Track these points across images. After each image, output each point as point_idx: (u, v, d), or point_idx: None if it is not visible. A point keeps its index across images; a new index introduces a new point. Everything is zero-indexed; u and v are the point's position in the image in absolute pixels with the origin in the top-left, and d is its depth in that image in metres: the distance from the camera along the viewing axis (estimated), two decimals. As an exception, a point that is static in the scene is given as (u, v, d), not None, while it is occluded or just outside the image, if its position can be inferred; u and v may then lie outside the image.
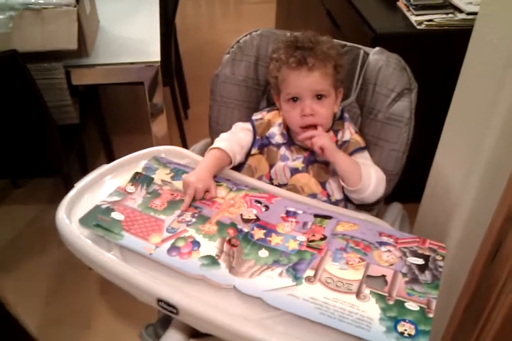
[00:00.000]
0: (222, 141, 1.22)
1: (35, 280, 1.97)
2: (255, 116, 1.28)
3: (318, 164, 1.20)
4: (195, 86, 2.92)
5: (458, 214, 1.18)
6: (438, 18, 1.80)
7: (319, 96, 1.14)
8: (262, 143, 1.24)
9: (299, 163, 1.21)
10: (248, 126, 1.27)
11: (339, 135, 1.22)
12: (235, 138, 1.23)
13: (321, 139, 1.12)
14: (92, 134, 2.33)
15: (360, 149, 1.22)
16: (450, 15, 1.81)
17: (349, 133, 1.22)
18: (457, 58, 1.79)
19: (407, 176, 1.28)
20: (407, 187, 1.37)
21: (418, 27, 1.79)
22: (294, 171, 1.21)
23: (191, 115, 2.87)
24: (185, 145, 2.55)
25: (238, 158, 1.22)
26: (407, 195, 1.37)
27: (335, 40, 1.24)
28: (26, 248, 2.11)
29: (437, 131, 1.31)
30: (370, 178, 1.16)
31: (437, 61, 1.79)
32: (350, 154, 1.21)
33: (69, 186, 1.81)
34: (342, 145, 1.21)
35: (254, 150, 1.25)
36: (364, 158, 1.22)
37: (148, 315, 1.29)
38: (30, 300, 1.89)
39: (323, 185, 1.20)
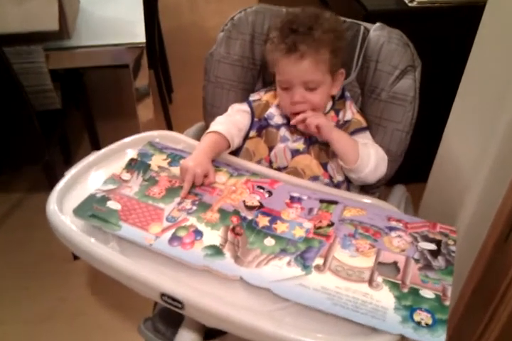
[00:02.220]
0: (219, 124, 1.17)
1: (20, 272, 1.90)
2: (252, 97, 1.23)
3: (320, 145, 1.16)
4: (178, 69, 2.84)
5: (468, 193, 1.15)
6: (430, -6, 1.76)
7: (310, 86, 1.10)
8: (260, 125, 1.19)
9: (299, 145, 1.16)
10: (245, 107, 1.21)
11: (340, 114, 1.18)
12: (232, 121, 1.18)
13: (316, 119, 1.09)
14: (74, 120, 2.26)
15: (361, 129, 1.18)
16: (442, -9, 1.77)
17: (351, 112, 1.18)
18: (450, 35, 1.78)
19: (407, 156, 1.23)
20: (408, 167, 1.32)
21: (410, 4, 1.76)
22: (295, 152, 1.17)
23: (175, 99, 2.79)
24: (171, 129, 2.48)
25: (236, 142, 1.17)
26: (408, 175, 1.32)
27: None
28: (7, 238, 2.04)
29: (436, 109, 1.27)
30: (369, 157, 1.12)
31: (430, 39, 1.74)
32: (351, 134, 1.17)
33: (50, 175, 1.78)
34: (343, 125, 1.17)
35: (252, 133, 1.20)
36: (365, 139, 1.18)
37: (143, 306, 1.24)
38: (16, 293, 1.83)
39: (324, 166, 1.16)
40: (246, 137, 1.20)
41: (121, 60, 1.76)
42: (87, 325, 1.73)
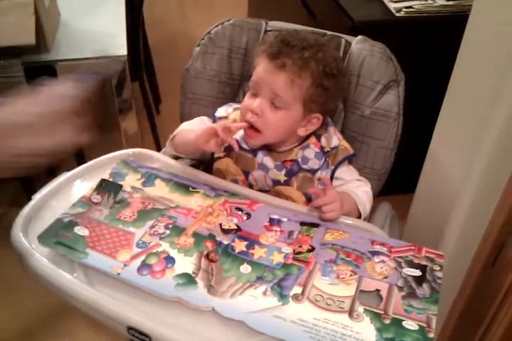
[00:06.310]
0: (189, 125, 1.14)
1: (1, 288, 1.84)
2: (219, 113, 1.15)
3: (303, 173, 1.09)
4: (167, 80, 2.79)
5: (455, 213, 1.10)
6: (417, 4, 1.72)
7: (275, 103, 1.02)
8: (228, 146, 1.09)
9: (281, 176, 1.09)
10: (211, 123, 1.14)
11: (323, 140, 1.10)
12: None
13: (335, 213, 1.00)
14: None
15: (349, 157, 1.12)
16: (429, 1, 1.74)
17: (337, 138, 1.11)
18: (438, 46, 1.75)
19: (392, 167, 1.19)
20: (393, 178, 1.25)
21: (397, 14, 1.73)
22: (276, 182, 1.10)
23: (164, 110, 2.75)
24: (157, 142, 2.44)
25: None
26: (393, 187, 1.26)
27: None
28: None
29: (418, 124, 1.23)
30: (365, 204, 1.09)
31: (417, 49, 1.72)
32: (339, 163, 1.10)
33: (29, 190, 1.72)
34: (329, 152, 1.10)
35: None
36: (351, 173, 1.14)
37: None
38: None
39: (307, 195, 1.09)
40: (212, 158, 1.13)
41: (102, 74, 1.72)
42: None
